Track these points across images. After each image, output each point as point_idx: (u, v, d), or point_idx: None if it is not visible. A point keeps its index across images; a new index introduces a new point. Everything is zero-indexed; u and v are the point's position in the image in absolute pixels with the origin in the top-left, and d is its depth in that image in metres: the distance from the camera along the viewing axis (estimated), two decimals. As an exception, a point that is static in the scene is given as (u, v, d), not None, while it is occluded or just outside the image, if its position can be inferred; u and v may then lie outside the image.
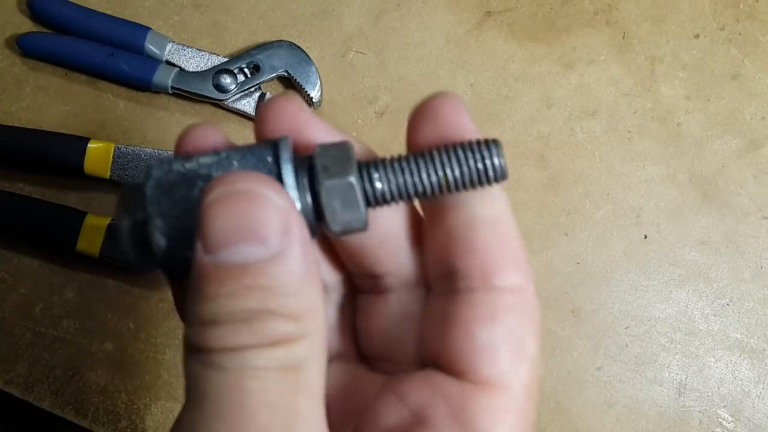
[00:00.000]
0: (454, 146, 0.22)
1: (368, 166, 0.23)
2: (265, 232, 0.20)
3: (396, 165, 0.23)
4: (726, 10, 0.57)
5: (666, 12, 0.57)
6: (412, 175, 0.22)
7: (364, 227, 0.23)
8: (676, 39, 0.56)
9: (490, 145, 0.22)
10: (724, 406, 0.51)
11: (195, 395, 0.20)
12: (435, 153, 0.23)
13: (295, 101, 0.24)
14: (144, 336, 0.51)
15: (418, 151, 0.23)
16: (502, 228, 0.24)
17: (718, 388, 0.51)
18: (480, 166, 0.22)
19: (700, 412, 0.51)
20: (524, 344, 0.23)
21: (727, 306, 0.52)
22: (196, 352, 0.20)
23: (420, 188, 0.23)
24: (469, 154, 0.22)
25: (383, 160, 0.23)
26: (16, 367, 0.51)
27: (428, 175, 0.22)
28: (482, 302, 0.23)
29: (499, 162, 0.22)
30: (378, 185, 0.22)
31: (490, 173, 0.22)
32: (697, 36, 0.56)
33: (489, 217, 0.23)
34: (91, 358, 0.51)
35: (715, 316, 0.52)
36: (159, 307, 0.52)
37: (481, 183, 0.22)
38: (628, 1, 0.57)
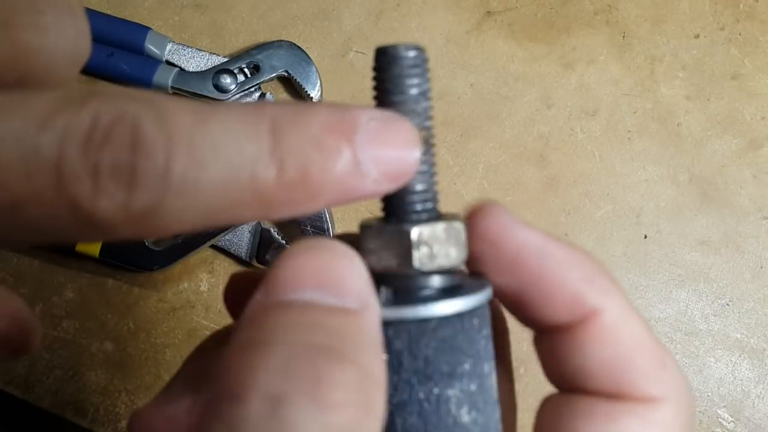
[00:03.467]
0: None
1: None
2: (345, 286, 0.18)
3: None
4: (726, 10, 0.57)
5: (666, 12, 0.57)
6: None
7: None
8: (676, 39, 0.56)
9: None
10: (724, 406, 0.51)
11: None
12: None
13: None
14: (144, 336, 0.51)
15: None
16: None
17: (718, 388, 0.51)
18: None
19: (700, 412, 0.50)
20: None
21: (727, 306, 0.52)
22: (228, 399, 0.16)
23: None
24: None
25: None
26: (16, 367, 0.51)
27: None
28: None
29: None
30: None
31: None
32: (697, 36, 0.56)
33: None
34: (90, 358, 0.51)
35: (715, 316, 0.52)
36: (159, 307, 0.52)
37: None
38: (628, 1, 0.57)
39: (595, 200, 0.53)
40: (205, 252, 0.52)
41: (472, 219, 0.22)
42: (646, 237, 0.53)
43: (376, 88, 0.21)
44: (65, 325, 0.51)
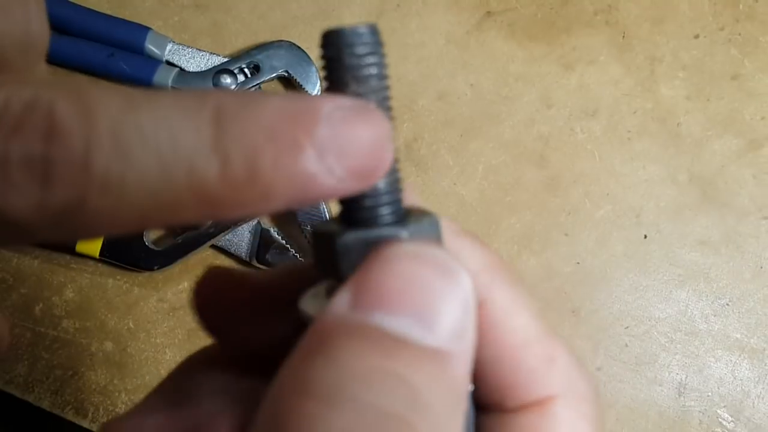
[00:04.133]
0: None
1: None
2: (439, 314, 0.15)
3: None
4: (725, 10, 0.57)
5: (666, 12, 0.57)
6: None
7: None
8: (675, 39, 0.56)
9: None
10: (724, 406, 0.51)
11: None
12: None
13: None
14: (144, 336, 0.51)
15: None
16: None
17: (718, 388, 0.51)
18: None
19: (700, 412, 0.50)
20: None
21: (727, 306, 0.52)
22: None
23: None
24: None
25: None
26: (16, 367, 0.51)
27: None
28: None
29: None
30: None
31: None
32: (696, 36, 0.56)
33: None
34: (90, 358, 0.51)
35: (715, 316, 0.52)
36: (159, 306, 0.52)
37: None
38: (628, 1, 0.57)
39: (595, 200, 0.53)
40: (205, 252, 0.52)
41: None
42: (646, 237, 0.53)
43: (327, 77, 0.18)
44: (65, 325, 0.51)
